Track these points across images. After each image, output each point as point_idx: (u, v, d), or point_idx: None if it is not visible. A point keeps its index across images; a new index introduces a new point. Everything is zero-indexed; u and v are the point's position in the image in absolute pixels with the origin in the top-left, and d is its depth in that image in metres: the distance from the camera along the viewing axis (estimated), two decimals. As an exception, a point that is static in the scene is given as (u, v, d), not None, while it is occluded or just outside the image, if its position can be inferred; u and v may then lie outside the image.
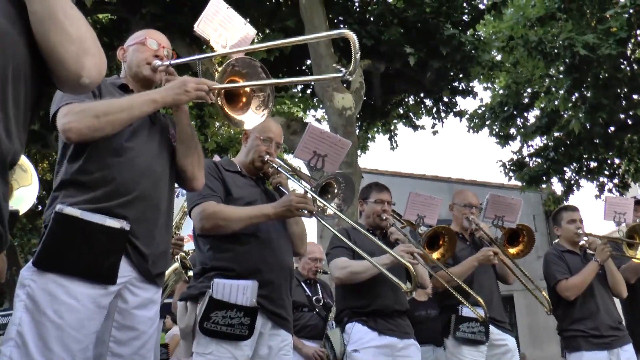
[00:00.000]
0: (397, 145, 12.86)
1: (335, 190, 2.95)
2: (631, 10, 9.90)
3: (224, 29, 2.47)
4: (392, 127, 12.74)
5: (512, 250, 4.22)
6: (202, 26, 2.42)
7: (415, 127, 12.64)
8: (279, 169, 3.00)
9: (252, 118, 2.41)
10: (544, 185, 14.03)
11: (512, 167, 13.61)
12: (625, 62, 11.30)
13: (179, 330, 5.60)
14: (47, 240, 2.07)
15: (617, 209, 4.41)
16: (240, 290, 2.65)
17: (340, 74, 1.93)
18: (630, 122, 12.01)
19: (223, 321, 2.61)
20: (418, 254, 3.48)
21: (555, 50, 10.49)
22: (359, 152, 11.35)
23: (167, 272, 3.16)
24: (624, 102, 11.66)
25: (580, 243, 4.41)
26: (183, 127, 2.46)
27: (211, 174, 2.82)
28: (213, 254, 2.82)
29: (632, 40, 11.02)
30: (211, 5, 2.47)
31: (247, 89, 2.38)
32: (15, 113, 1.22)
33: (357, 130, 10.27)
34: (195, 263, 3.15)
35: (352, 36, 1.91)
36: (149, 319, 2.31)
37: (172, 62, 2.46)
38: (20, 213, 3.80)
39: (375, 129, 12.78)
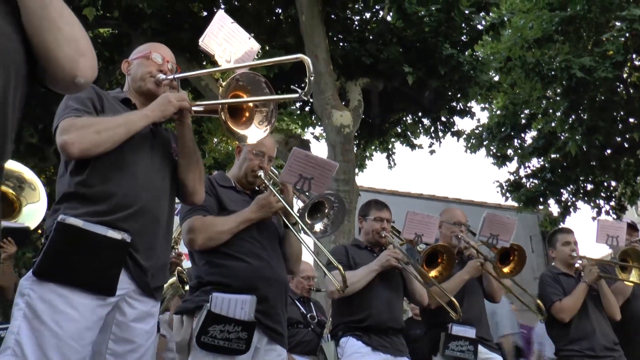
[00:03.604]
0: (394, 164, 12.86)
1: (326, 211, 2.96)
2: (627, 34, 10.00)
3: (229, 44, 2.49)
4: (390, 146, 12.75)
5: (506, 269, 4.20)
6: (207, 41, 2.44)
7: (412, 146, 12.64)
8: (271, 187, 3.01)
9: (255, 133, 2.43)
10: (540, 207, 14.07)
11: (509, 188, 13.64)
12: (621, 86, 11.41)
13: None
14: (48, 250, 2.07)
15: (610, 232, 4.42)
16: (239, 305, 2.65)
17: (297, 95, 2.09)
18: (626, 145, 12.09)
19: (221, 335, 2.60)
20: (416, 272, 3.51)
21: (553, 72, 10.57)
22: (356, 170, 11.36)
23: (164, 286, 3.15)
24: (620, 125, 11.75)
25: (575, 265, 4.42)
26: (186, 142, 2.47)
27: (204, 190, 2.83)
28: (209, 268, 2.82)
29: (628, 64, 11.14)
30: (216, 20, 2.49)
31: (250, 104, 2.40)
32: (13, 116, 1.18)
33: (355, 149, 10.28)
34: (191, 277, 3.15)
35: (307, 60, 2.12)
36: (146, 332, 2.30)
37: (177, 76, 2.47)
38: (31, 229, 3.81)
39: (373, 147, 12.79)
